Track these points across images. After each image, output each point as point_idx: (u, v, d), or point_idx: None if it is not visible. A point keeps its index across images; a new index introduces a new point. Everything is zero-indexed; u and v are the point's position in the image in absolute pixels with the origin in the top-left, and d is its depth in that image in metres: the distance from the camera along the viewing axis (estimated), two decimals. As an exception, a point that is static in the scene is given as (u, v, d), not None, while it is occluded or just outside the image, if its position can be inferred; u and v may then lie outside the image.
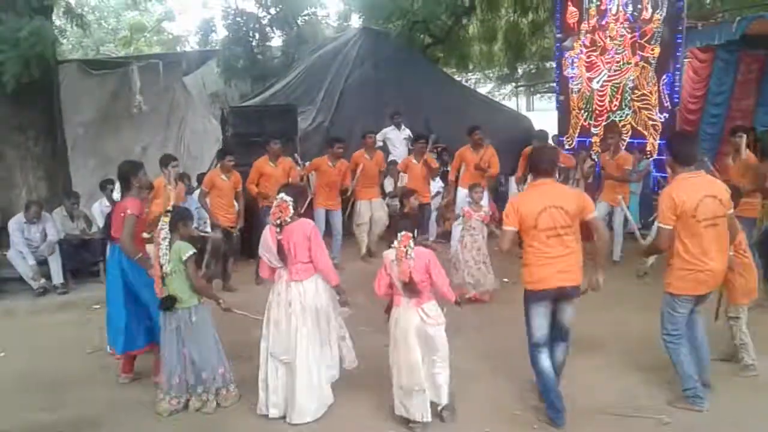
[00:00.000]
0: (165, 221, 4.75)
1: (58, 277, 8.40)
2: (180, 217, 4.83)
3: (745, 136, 7.03)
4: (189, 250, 4.76)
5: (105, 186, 8.89)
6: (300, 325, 4.57)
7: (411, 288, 4.35)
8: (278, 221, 4.58)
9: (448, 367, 4.48)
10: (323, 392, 4.68)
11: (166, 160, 7.26)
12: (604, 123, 11.11)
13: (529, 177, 4.78)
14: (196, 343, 4.78)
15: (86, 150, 10.94)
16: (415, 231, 4.49)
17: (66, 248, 8.56)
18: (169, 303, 4.72)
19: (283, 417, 4.64)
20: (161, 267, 4.73)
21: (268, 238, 4.66)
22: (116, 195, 5.53)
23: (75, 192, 9.21)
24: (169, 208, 4.90)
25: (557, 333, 4.54)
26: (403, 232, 4.40)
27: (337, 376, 4.81)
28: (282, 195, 4.64)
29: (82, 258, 8.65)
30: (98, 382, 5.43)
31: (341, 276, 4.96)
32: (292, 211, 4.58)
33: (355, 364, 4.85)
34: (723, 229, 4.51)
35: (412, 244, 4.39)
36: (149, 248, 5.23)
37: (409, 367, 4.36)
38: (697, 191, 4.43)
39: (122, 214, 5.10)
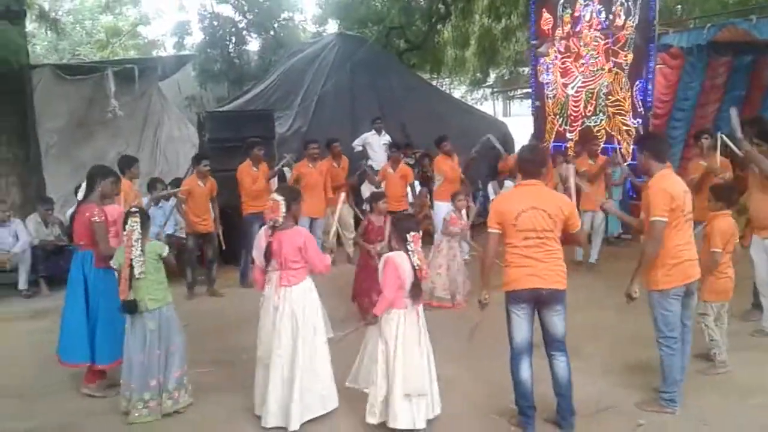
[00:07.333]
0: (135, 222, 4.64)
1: (23, 283, 8.43)
2: (147, 218, 4.82)
3: (710, 138, 7.14)
4: (166, 248, 4.83)
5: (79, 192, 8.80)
6: (287, 330, 4.49)
7: (420, 290, 4.38)
8: (271, 222, 4.51)
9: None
10: (313, 395, 4.54)
11: (128, 163, 7.59)
12: (579, 128, 11.25)
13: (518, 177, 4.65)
14: (172, 341, 4.75)
15: (61, 155, 10.83)
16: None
17: (40, 255, 8.49)
18: (132, 307, 4.64)
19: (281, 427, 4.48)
20: (131, 269, 4.63)
21: (261, 240, 4.59)
22: (79, 195, 5.44)
23: (49, 198, 9.13)
24: (133, 209, 4.84)
25: (549, 342, 4.39)
26: (413, 233, 4.33)
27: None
28: (274, 195, 4.58)
29: (56, 265, 8.51)
30: (71, 389, 5.35)
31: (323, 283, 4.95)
32: (284, 210, 4.48)
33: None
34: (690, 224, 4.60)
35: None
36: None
37: (415, 371, 4.25)
38: (680, 185, 4.52)
39: (88, 220, 5.07)
